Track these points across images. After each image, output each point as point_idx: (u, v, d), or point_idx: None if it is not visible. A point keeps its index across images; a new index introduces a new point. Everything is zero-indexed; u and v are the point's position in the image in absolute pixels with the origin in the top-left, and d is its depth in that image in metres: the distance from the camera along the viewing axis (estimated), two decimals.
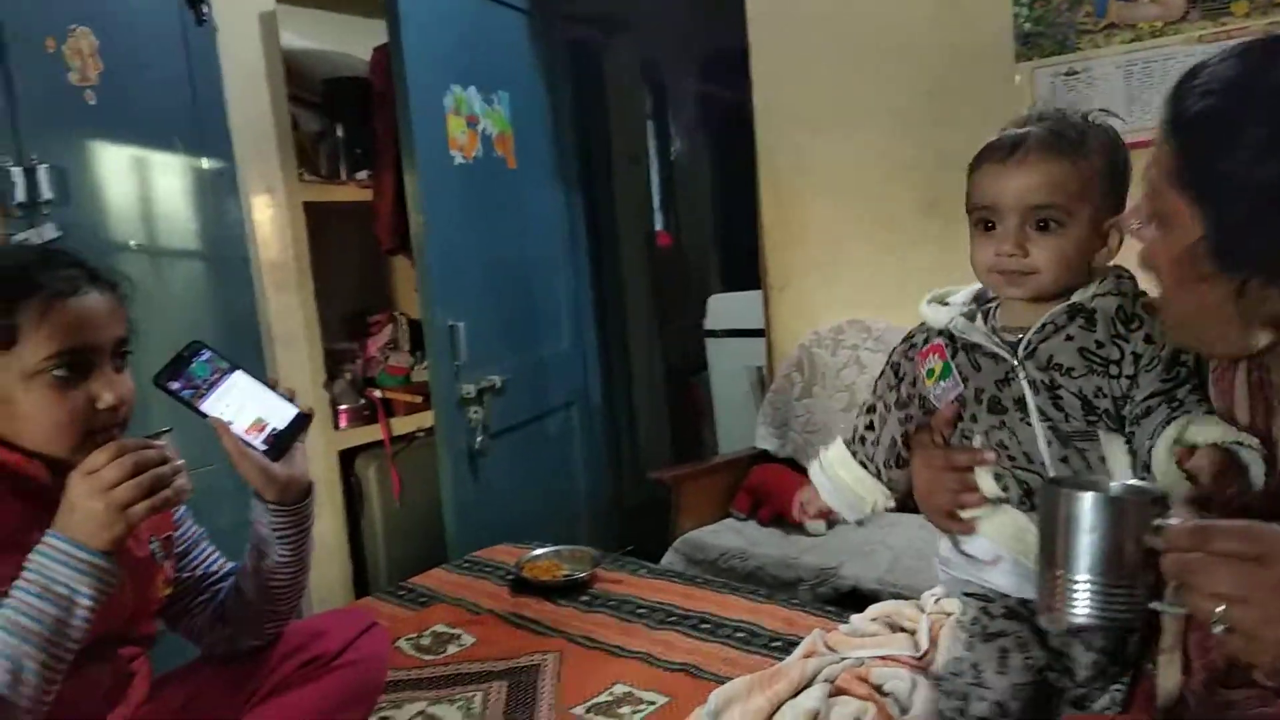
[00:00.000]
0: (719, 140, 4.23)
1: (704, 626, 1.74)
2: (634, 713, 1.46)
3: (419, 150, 2.46)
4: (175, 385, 1.17)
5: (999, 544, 1.03)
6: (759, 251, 2.88)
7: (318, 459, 2.80)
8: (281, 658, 1.29)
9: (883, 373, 1.18)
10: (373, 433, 2.95)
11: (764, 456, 2.77)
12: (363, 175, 2.94)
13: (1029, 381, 0.99)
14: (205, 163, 2.41)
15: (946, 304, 1.11)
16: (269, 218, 2.67)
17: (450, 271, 2.58)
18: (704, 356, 3.50)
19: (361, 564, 2.96)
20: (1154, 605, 0.78)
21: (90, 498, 0.96)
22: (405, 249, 2.84)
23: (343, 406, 2.90)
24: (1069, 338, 0.98)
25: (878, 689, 1.37)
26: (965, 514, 1.04)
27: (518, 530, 2.47)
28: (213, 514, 1.41)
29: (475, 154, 2.72)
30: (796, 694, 1.38)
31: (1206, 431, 0.88)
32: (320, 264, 2.80)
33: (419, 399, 2.98)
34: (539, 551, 2.10)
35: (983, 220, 1.01)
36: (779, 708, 1.35)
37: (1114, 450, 0.97)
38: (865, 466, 1.15)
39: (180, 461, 1.04)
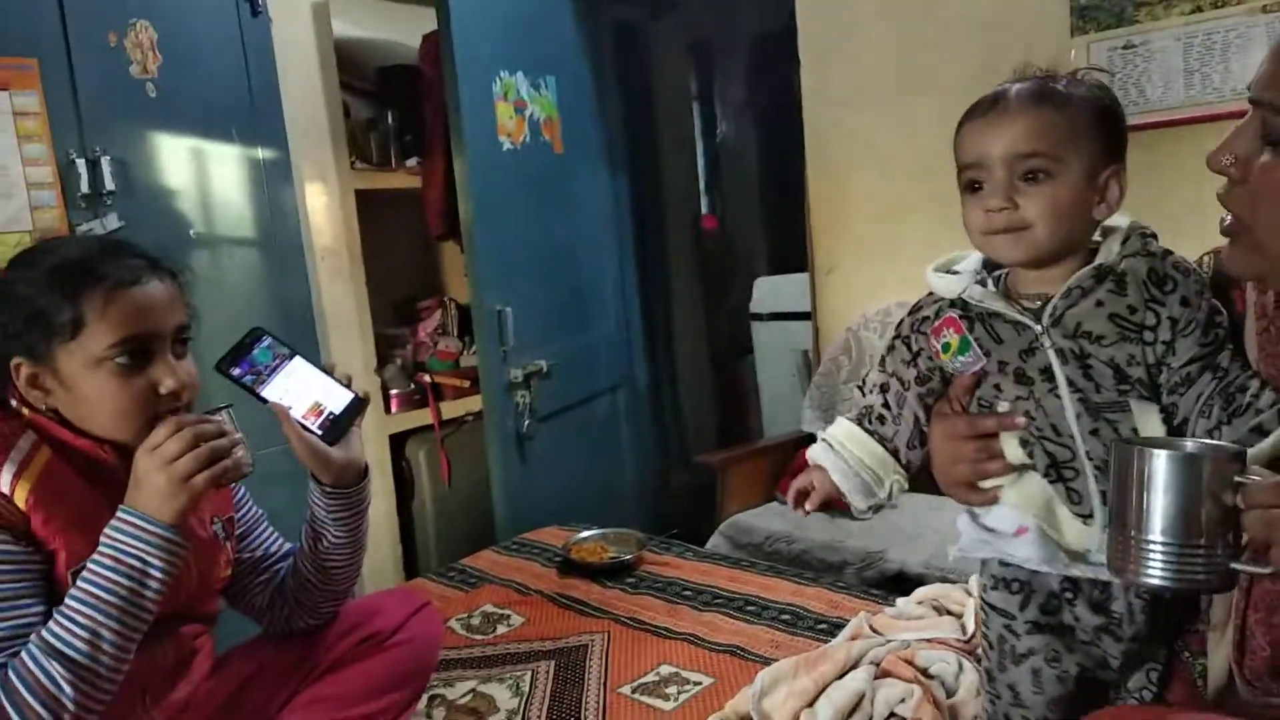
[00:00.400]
0: (766, 122, 4.19)
1: (749, 609, 1.75)
2: (680, 693, 1.48)
3: (467, 137, 2.49)
4: (237, 371, 1.20)
5: (1024, 513, 0.96)
6: (806, 234, 2.86)
7: (369, 443, 2.85)
8: (338, 636, 1.33)
9: (892, 348, 1.09)
10: (423, 417, 3.00)
11: (809, 440, 2.75)
12: (412, 162, 2.97)
13: (1056, 351, 0.94)
14: (261, 152, 2.47)
15: (955, 272, 1.04)
16: (322, 206, 2.72)
17: (498, 256, 2.60)
18: (750, 340, 3.49)
19: (411, 546, 3.02)
20: (1235, 566, 0.75)
21: (154, 472, 1.00)
22: (455, 235, 2.87)
23: (394, 391, 2.95)
24: (1099, 303, 0.93)
25: (923, 671, 1.38)
26: (988, 484, 0.99)
27: (565, 513, 2.50)
28: (273, 496, 1.45)
29: (523, 139, 2.73)
30: (842, 676, 1.39)
31: None
32: (371, 251, 2.85)
33: (468, 383, 3.03)
34: (585, 534, 2.13)
35: (971, 182, 0.97)
36: (824, 689, 1.36)
37: (1147, 420, 0.92)
38: (884, 444, 1.06)
39: (239, 435, 1.07)
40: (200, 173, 2.35)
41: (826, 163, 2.78)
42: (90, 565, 0.99)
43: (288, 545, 1.36)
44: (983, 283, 1.01)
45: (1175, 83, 2.18)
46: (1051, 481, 0.96)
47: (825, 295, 2.84)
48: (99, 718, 1.00)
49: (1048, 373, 0.95)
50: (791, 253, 3.51)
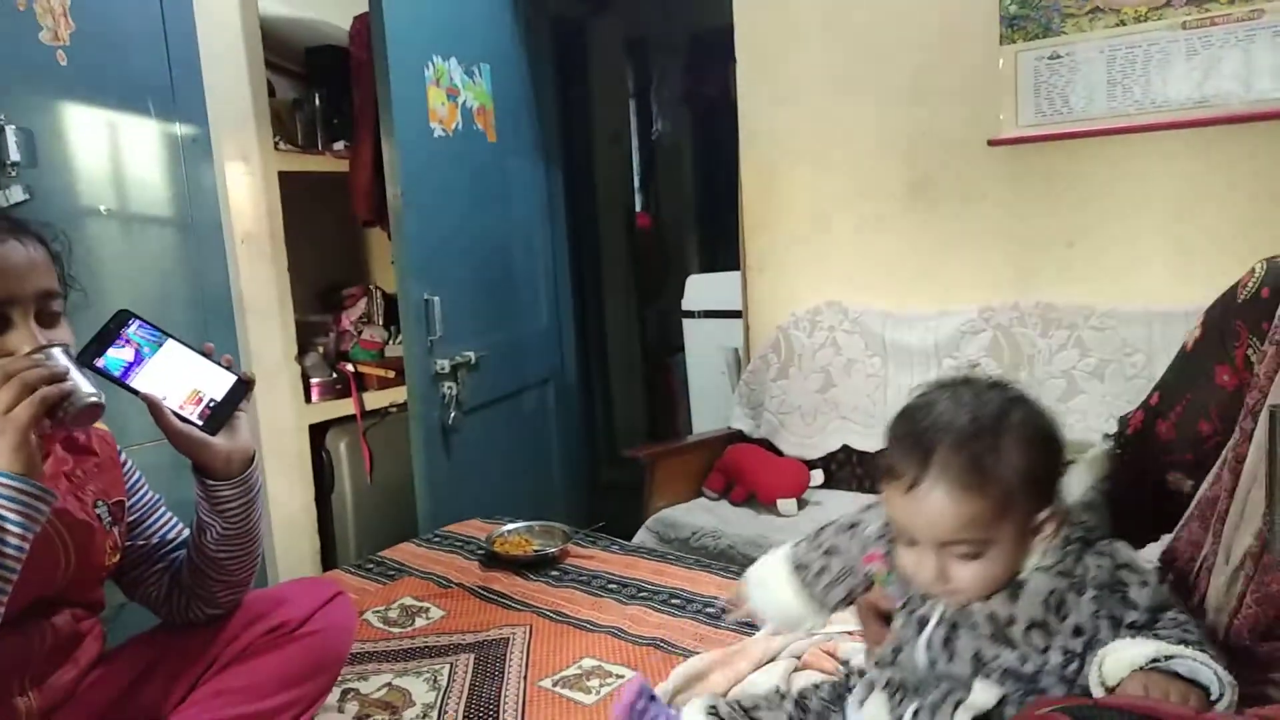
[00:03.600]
0: (701, 120, 4.21)
1: (674, 602, 1.74)
2: (602, 685, 1.45)
3: (398, 121, 2.43)
4: (102, 363, 1.10)
5: None
6: (739, 233, 2.87)
7: (288, 432, 2.78)
8: (244, 625, 1.27)
9: (842, 525, 1.13)
10: (345, 407, 2.92)
11: (738, 437, 2.78)
12: (339, 146, 2.90)
13: (940, 615, 0.95)
14: (179, 128, 2.37)
15: None
16: (243, 187, 2.63)
17: (427, 244, 2.55)
18: (680, 339, 3.49)
19: (330, 539, 2.94)
20: None
21: None
22: (382, 221, 2.82)
23: (315, 380, 2.87)
24: (991, 614, 0.91)
25: (845, 663, 1.38)
26: None
27: (490, 507, 2.46)
28: (164, 489, 1.38)
29: (455, 127, 2.69)
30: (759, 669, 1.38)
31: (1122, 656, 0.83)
32: (294, 235, 2.76)
33: (392, 374, 2.97)
34: (510, 527, 2.09)
35: (904, 536, 0.95)
36: (738, 684, 1.36)
37: (976, 703, 0.91)
38: (809, 590, 1.11)
39: (63, 366, 0.98)
40: (113, 147, 2.25)
41: (760, 162, 2.80)
42: None
43: (186, 531, 1.29)
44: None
45: (1098, 94, 2.24)
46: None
47: (756, 293, 2.86)
48: None
49: (922, 622, 0.97)
50: (724, 251, 3.54)
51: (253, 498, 1.20)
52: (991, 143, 2.35)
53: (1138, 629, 0.88)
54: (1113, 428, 1.17)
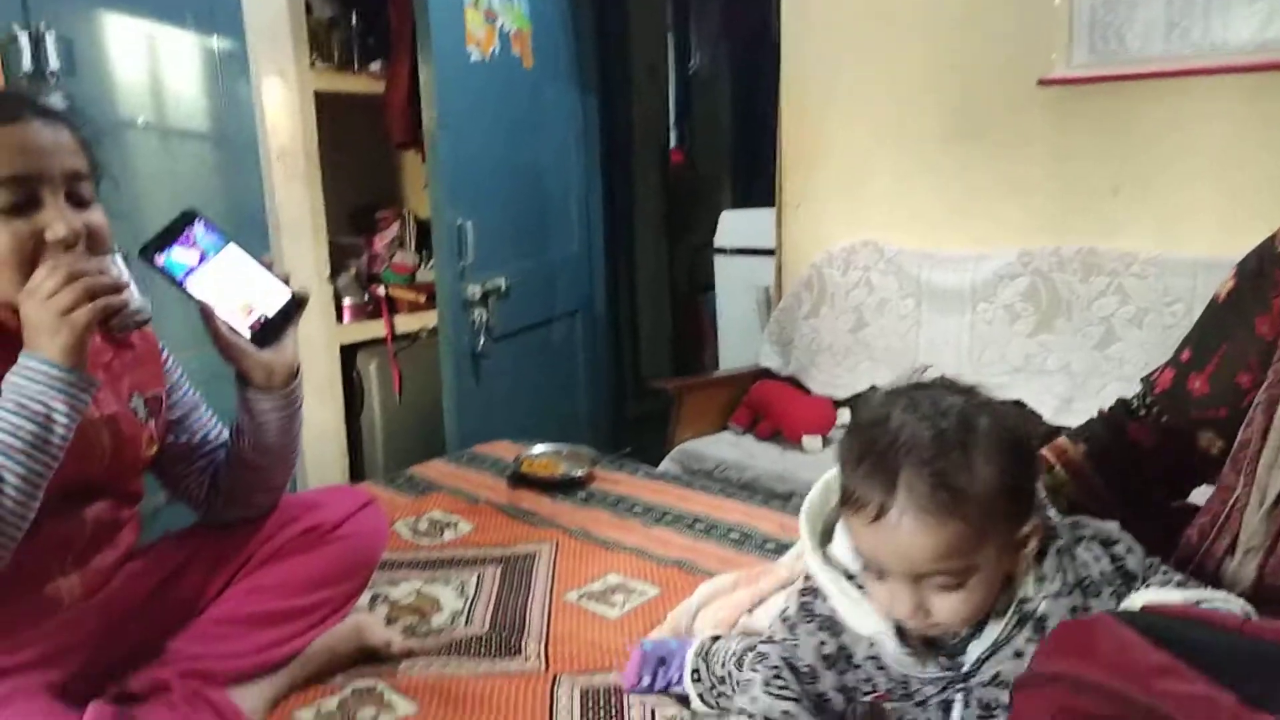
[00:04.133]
0: (740, 55, 4.13)
1: (699, 526, 1.76)
2: (626, 601, 1.48)
3: (435, 43, 2.41)
4: (161, 259, 1.10)
5: None
6: (776, 168, 2.83)
7: (319, 351, 2.80)
8: (279, 526, 1.29)
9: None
10: (375, 329, 2.94)
11: (766, 374, 2.78)
12: (375, 66, 2.88)
13: (964, 695, 0.87)
14: (216, 42, 2.36)
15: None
16: (279, 104, 2.62)
17: (461, 168, 2.54)
18: (710, 276, 3.47)
19: (359, 459, 2.98)
20: None
21: (35, 312, 0.95)
22: (416, 144, 2.80)
23: (346, 301, 2.89)
24: (1018, 654, 0.84)
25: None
26: None
27: (516, 434, 2.47)
28: (212, 396, 1.39)
29: (492, 50, 2.65)
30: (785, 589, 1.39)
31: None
32: (329, 155, 2.76)
33: (423, 298, 2.98)
34: (538, 449, 2.11)
35: (872, 567, 0.85)
36: (762, 602, 1.37)
37: None
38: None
39: (126, 279, 1.00)
40: (151, 59, 2.24)
41: (801, 97, 2.75)
42: None
43: (227, 433, 1.31)
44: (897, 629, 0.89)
45: (1155, 34, 2.17)
46: None
47: (791, 230, 2.83)
48: (21, 573, 0.99)
49: (946, 706, 0.89)
50: (758, 189, 3.49)
51: (293, 412, 1.21)
52: (1042, 82, 2.29)
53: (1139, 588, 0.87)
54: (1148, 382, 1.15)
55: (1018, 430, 0.83)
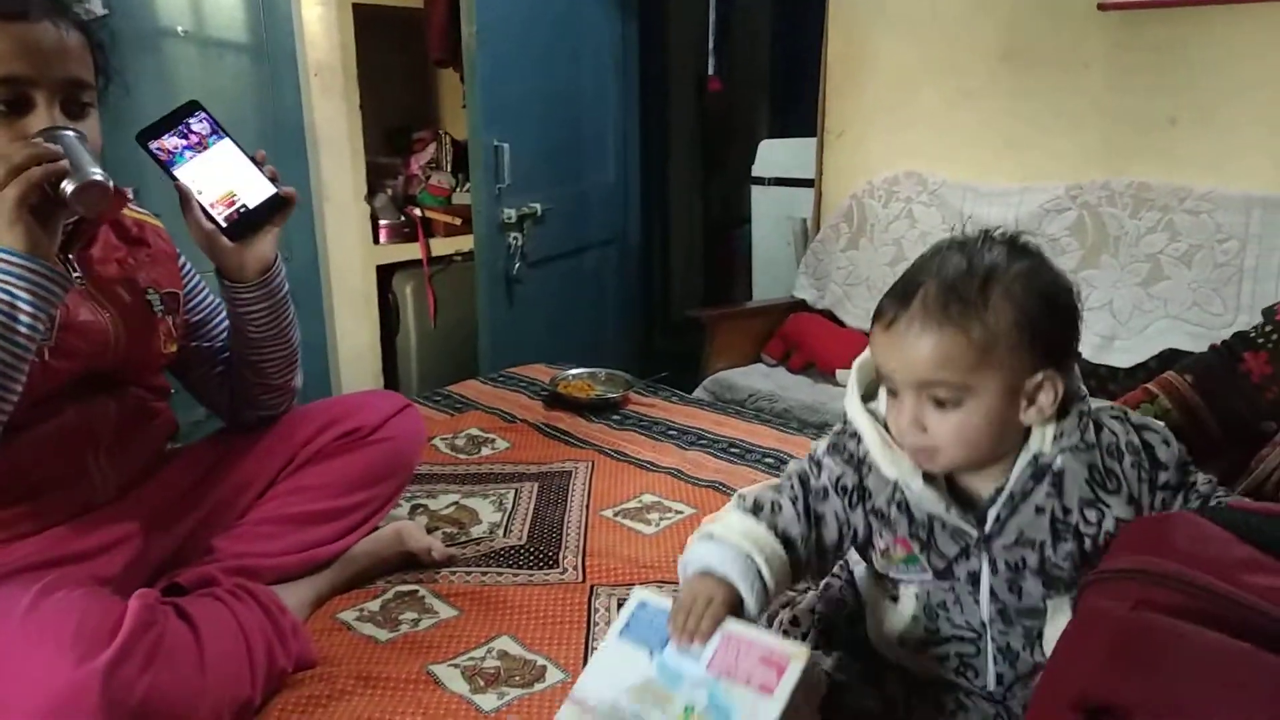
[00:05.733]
0: None
1: (733, 450, 1.76)
2: (661, 519, 1.49)
3: None
4: (155, 144, 1.11)
5: None
6: (819, 94, 2.77)
7: (356, 270, 2.81)
8: (319, 429, 1.31)
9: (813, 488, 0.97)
10: (411, 251, 2.94)
11: (800, 306, 2.75)
12: None
13: (990, 560, 0.88)
14: None
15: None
16: (317, 17, 2.58)
17: (499, 88, 2.51)
18: (745, 211, 3.42)
19: (393, 380, 3.01)
20: None
21: None
22: (455, 62, 2.76)
23: (383, 222, 2.88)
24: (1039, 509, 0.86)
25: None
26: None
27: (549, 359, 2.48)
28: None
29: None
30: None
31: None
32: (366, 72, 2.73)
33: (459, 221, 2.96)
34: (574, 371, 2.11)
35: (887, 384, 0.89)
36: None
37: (1059, 617, 0.87)
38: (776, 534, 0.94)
39: (54, 151, 0.92)
40: None
41: (847, 21, 2.67)
42: None
43: None
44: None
45: None
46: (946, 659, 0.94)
47: (832, 159, 2.78)
48: (52, 465, 1.02)
49: (975, 577, 0.90)
50: (796, 119, 3.41)
51: (275, 303, 1.21)
52: (1102, 7, 2.21)
53: (1173, 489, 0.87)
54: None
55: (1055, 284, 0.85)
